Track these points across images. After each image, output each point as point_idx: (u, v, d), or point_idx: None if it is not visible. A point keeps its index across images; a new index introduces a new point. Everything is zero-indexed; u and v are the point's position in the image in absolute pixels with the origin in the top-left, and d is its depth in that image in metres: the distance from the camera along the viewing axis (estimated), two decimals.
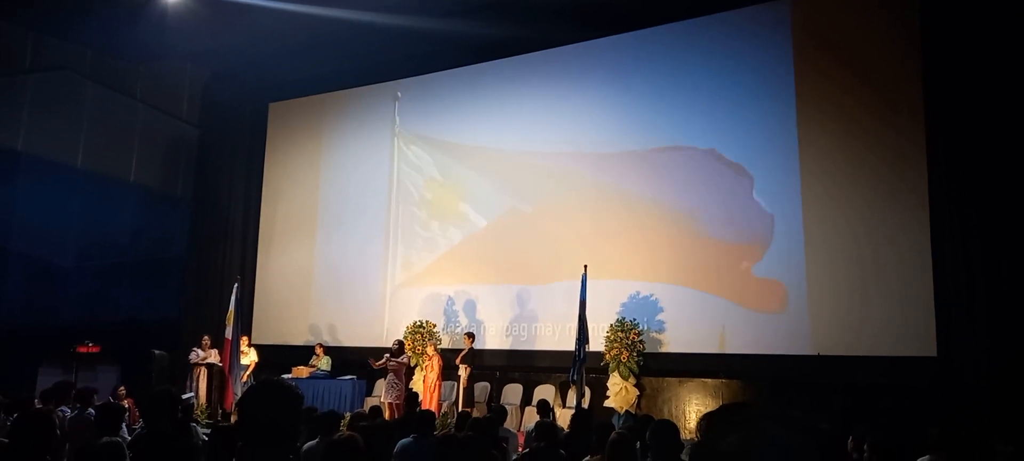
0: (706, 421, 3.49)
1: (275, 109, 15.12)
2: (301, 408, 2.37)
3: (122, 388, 10.00)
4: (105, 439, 3.52)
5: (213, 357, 12.33)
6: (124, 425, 6.11)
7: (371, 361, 11.35)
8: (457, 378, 11.16)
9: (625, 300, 10.93)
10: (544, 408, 8.68)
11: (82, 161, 14.35)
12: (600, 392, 10.52)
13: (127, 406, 9.00)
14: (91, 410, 6.66)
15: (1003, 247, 8.57)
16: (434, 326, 12.05)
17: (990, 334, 8.49)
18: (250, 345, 12.82)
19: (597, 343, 10.51)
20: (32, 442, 3.61)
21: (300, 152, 14.63)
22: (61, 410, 6.97)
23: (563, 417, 9.74)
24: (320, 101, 14.57)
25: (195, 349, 12.46)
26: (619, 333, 10.45)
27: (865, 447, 5.11)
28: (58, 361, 12.57)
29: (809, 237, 9.96)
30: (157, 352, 13.11)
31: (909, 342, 9.12)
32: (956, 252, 8.95)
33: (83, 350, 12.76)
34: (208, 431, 5.92)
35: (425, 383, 11.06)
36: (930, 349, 8.97)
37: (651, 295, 10.87)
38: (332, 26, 12.11)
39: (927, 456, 5.45)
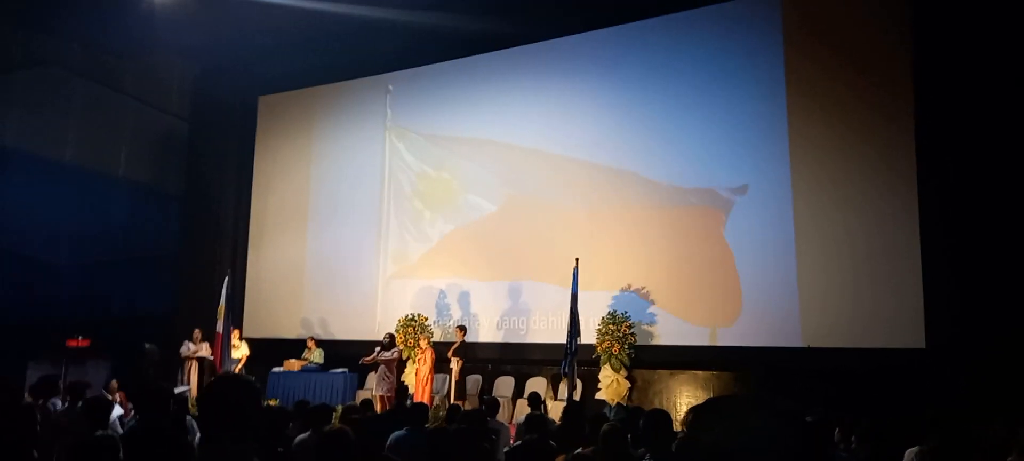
0: (692, 414, 3.51)
1: (265, 103, 15.06)
2: (259, 401, 2.44)
3: (114, 381, 9.99)
4: (99, 433, 3.53)
5: (204, 350, 12.33)
6: (117, 419, 6.11)
7: (364, 361, 11.38)
8: (449, 371, 11.19)
9: (616, 293, 10.97)
10: (535, 401, 8.72)
11: (71, 157, 14.27)
12: (591, 384, 10.58)
13: (118, 400, 8.99)
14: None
15: (992, 238, 8.62)
16: (426, 319, 12.06)
17: (978, 325, 8.53)
18: (241, 339, 12.83)
19: (589, 336, 10.55)
20: (13, 435, 3.61)
21: (291, 146, 14.59)
22: (51, 402, 6.95)
23: (555, 410, 9.78)
24: (311, 94, 14.51)
25: (186, 342, 12.47)
26: (610, 326, 10.50)
27: (853, 437, 5.18)
28: (48, 356, 12.50)
29: (799, 227, 9.99)
30: (148, 346, 13.09)
31: (898, 333, 9.17)
32: (945, 243, 8.99)
33: (73, 344, 12.69)
34: None
35: (417, 376, 11.08)
36: (919, 340, 9.03)
37: (643, 287, 10.91)
38: (322, 19, 12.09)
39: (916, 447, 5.52)
